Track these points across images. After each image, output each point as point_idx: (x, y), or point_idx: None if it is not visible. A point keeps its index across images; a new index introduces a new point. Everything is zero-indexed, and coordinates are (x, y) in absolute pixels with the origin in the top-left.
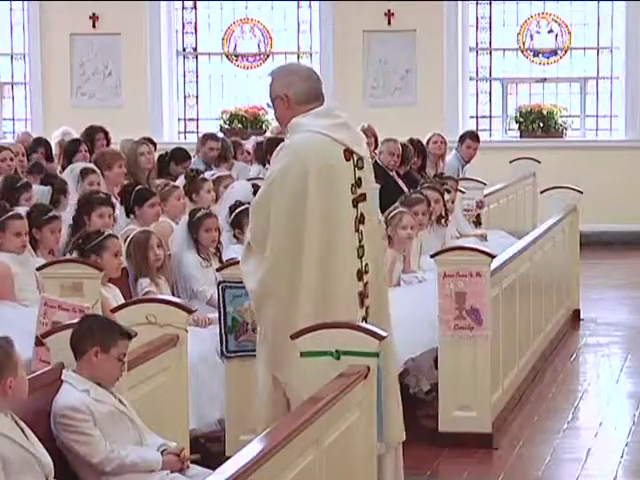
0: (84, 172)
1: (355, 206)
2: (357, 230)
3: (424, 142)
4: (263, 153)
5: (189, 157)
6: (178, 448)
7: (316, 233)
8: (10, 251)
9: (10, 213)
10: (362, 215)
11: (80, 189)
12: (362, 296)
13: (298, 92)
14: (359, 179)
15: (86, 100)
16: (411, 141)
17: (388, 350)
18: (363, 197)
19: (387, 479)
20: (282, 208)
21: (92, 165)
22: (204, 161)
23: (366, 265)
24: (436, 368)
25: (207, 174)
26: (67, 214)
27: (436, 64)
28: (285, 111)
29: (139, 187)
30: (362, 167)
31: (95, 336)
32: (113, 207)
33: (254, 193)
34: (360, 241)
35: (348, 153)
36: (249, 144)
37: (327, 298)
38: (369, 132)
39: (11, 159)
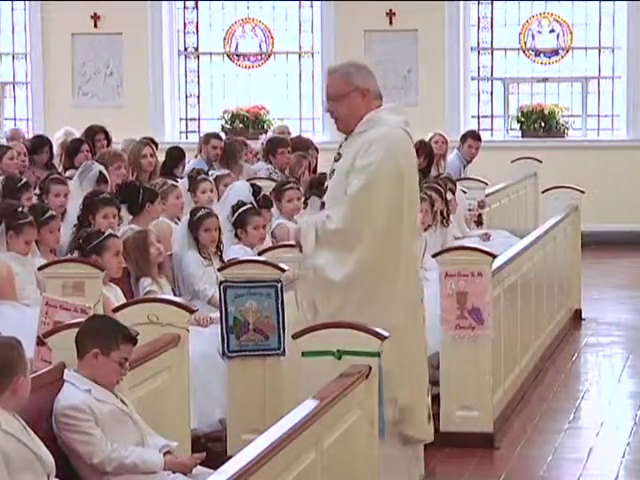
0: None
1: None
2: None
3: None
4: (265, 152)
5: (183, 155)
6: (193, 459)
7: (409, 229)
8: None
9: (27, 219)
10: None
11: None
12: None
13: (375, 87)
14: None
15: (87, 100)
16: (421, 142)
17: (412, 343)
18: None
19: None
20: (382, 202)
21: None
22: (207, 161)
23: None
24: (437, 368)
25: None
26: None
27: (437, 64)
28: (360, 104)
29: (142, 185)
30: None
31: (97, 338)
32: (118, 207)
33: (253, 193)
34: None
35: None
36: (258, 143)
37: (414, 292)
38: None
39: (17, 157)
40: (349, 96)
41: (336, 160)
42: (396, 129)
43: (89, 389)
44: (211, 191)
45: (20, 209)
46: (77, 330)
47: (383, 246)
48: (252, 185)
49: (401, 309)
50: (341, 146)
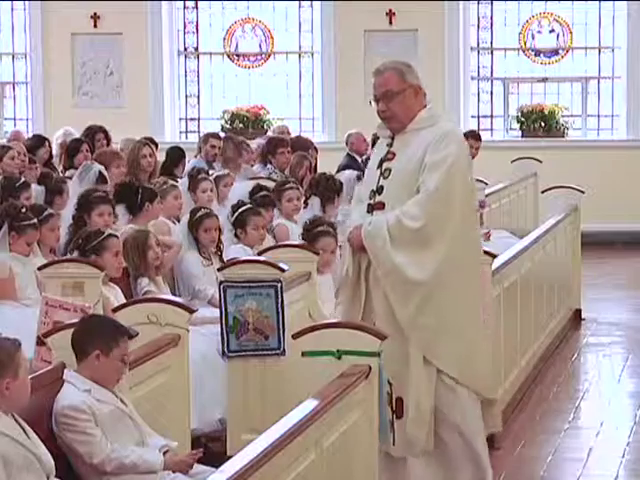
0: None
1: None
2: None
3: None
4: (265, 153)
5: (184, 154)
6: (191, 455)
7: (477, 223)
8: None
9: (29, 222)
10: None
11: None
12: None
13: (422, 85)
14: None
15: (87, 100)
16: None
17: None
18: None
19: None
20: (460, 195)
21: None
22: (206, 161)
23: None
24: None
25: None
26: (69, 213)
27: (437, 64)
28: (414, 102)
29: (143, 185)
30: None
31: (96, 339)
32: (113, 205)
33: (257, 191)
34: None
35: None
36: (253, 144)
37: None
38: None
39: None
40: (404, 94)
41: (389, 159)
42: (453, 124)
43: (89, 389)
44: (211, 190)
45: (24, 210)
46: (73, 334)
47: (464, 240)
48: (258, 185)
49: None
50: (391, 145)
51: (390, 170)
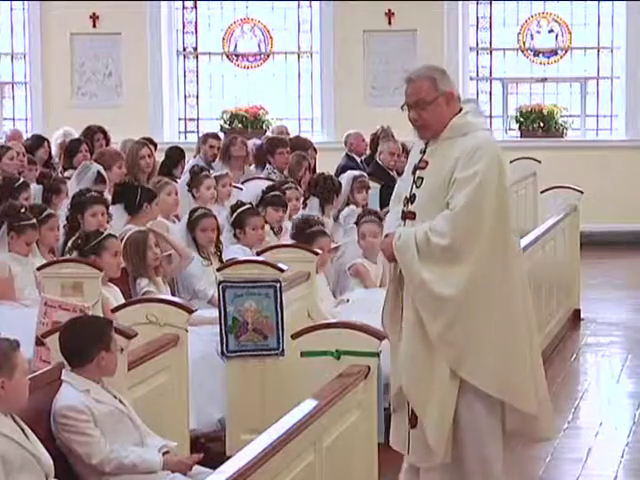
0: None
1: None
2: None
3: None
4: (264, 153)
5: (183, 155)
6: (191, 458)
7: (513, 234)
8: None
9: (29, 222)
10: None
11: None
12: None
13: (455, 90)
14: None
15: (86, 100)
16: None
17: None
18: None
19: None
20: (491, 212)
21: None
22: (205, 161)
23: None
24: None
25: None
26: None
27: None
28: (445, 110)
29: (142, 185)
30: None
31: (97, 341)
32: (106, 205)
33: (269, 190)
34: None
35: None
36: (249, 145)
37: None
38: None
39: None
40: (435, 102)
41: (422, 168)
42: (487, 132)
43: (87, 389)
44: (214, 188)
45: (23, 210)
46: (69, 342)
47: (496, 256)
48: (272, 185)
49: (520, 326)
50: (424, 152)
51: (422, 179)
